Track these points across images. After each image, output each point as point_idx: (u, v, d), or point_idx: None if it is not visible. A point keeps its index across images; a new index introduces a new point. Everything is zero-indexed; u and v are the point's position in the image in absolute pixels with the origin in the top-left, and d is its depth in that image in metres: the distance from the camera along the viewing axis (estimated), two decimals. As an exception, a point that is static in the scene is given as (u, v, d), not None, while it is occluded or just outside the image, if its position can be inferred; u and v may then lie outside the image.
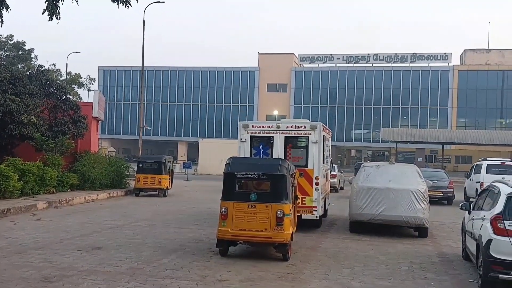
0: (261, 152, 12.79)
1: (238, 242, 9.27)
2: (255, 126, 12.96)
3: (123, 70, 73.81)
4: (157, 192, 21.18)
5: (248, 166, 9.23)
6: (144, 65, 34.04)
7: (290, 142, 12.77)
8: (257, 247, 9.55)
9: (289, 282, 7.53)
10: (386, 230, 12.70)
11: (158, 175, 21.03)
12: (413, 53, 65.25)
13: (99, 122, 26.71)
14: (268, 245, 9.17)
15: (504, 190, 7.79)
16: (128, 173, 23.54)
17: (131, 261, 8.59)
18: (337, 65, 67.84)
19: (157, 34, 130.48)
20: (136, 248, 9.69)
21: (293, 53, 70.55)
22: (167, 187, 21.58)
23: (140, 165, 21.41)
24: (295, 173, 10.05)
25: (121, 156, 41.64)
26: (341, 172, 30.95)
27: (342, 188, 28.44)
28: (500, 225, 7.26)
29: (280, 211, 8.76)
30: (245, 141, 12.66)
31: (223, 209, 8.96)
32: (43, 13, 13.73)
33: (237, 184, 9.27)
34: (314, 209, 12.37)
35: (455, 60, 66.83)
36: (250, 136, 12.74)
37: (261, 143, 12.86)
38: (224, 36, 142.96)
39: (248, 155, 12.49)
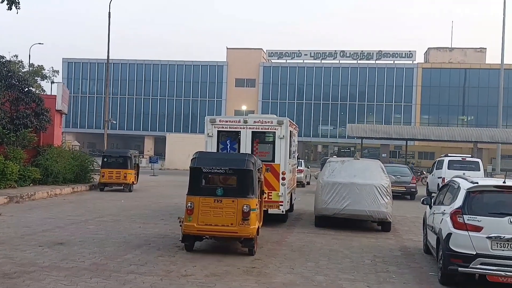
0: (228, 147, 12.79)
1: (204, 237, 9.26)
2: (222, 121, 12.94)
3: (88, 62, 72.31)
4: (122, 187, 20.91)
5: (215, 161, 9.22)
6: (110, 58, 33.47)
7: (257, 137, 12.81)
8: (223, 242, 9.56)
9: (254, 277, 7.57)
10: (350, 224, 12.92)
11: (123, 170, 20.76)
12: (379, 51, 66.31)
13: (63, 115, 26.11)
14: (234, 239, 9.19)
15: (464, 185, 8.01)
16: (92, 168, 23.16)
17: (94, 256, 8.46)
18: (305, 61, 68.30)
19: (124, 26, 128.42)
20: (100, 244, 9.55)
21: (261, 49, 70.61)
22: (133, 182, 21.34)
23: (105, 159, 21.08)
24: (261, 168, 10.10)
25: (86, 151, 40.88)
26: (308, 167, 31.28)
27: (308, 183, 28.73)
28: (459, 219, 7.48)
29: (246, 206, 8.79)
30: (212, 136, 12.62)
31: (189, 204, 8.93)
32: (1, 1, 13.33)
33: (203, 179, 9.25)
34: (280, 203, 12.46)
35: (419, 58, 68.33)
36: (217, 131, 12.72)
37: (228, 138, 12.85)
38: (192, 30, 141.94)
39: (215, 150, 12.47)
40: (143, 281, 7.05)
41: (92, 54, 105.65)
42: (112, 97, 69.34)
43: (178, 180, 26.80)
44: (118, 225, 11.99)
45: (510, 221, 7.16)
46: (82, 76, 72.65)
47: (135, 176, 21.64)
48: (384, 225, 12.67)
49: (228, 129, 12.80)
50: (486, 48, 66.81)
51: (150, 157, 44.26)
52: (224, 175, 9.25)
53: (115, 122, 61.65)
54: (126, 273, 7.47)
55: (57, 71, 72.06)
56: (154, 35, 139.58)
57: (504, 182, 7.79)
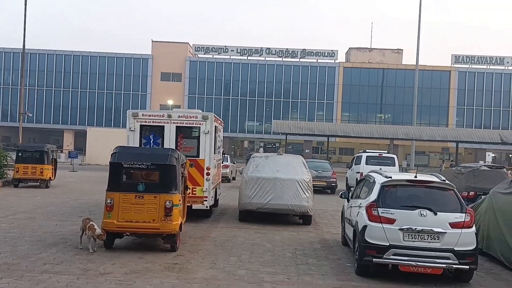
0: (152, 142, 12.55)
1: (124, 234, 9.04)
2: (145, 115, 12.66)
3: (2, 51, 67.87)
4: (38, 183, 19.92)
5: (136, 156, 9.01)
6: (27, 47, 31.60)
7: (182, 132, 12.68)
8: (145, 238, 9.38)
9: (175, 273, 7.51)
10: (273, 218, 13.15)
11: (39, 165, 19.77)
12: (303, 49, 67.80)
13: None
14: (156, 236, 9.06)
15: (379, 179, 8.39)
16: (6, 163, 21.83)
17: (6, 256, 8.01)
18: (232, 57, 68.39)
19: (43, 14, 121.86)
20: (12, 243, 9.05)
21: (188, 43, 69.79)
22: (50, 177, 20.38)
23: (20, 154, 19.96)
24: (185, 163, 10.01)
25: (-2, 145, 38.43)
26: (234, 163, 31.39)
27: (234, 179, 28.86)
28: (374, 212, 7.83)
29: (169, 202, 8.68)
30: (134, 130, 12.33)
31: (108, 200, 8.68)
32: None
33: (124, 174, 9.01)
34: (204, 199, 12.43)
35: (341, 58, 70.62)
36: (140, 125, 12.44)
37: (152, 132, 12.61)
38: (116, 22, 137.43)
39: (137, 145, 12.19)
40: (58, 281, 6.77)
41: (7, 43, 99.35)
42: (29, 89, 65.56)
43: (99, 175, 25.91)
44: (33, 222, 11.42)
45: (421, 213, 7.60)
46: (-4, 66, 68.10)
47: (52, 172, 20.67)
48: (305, 219, 13.01)
49: (152, 124, 12.55)
50: (403, 49, 70.30)
51: (69, 152, 42.44)
52: (146, 170, 9.07)
53: (31, 115, 58.45)
54: (40, 272, 7.13)
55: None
56: (75, 24, 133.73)
57: (415, 176, 8.25)
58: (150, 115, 12.71)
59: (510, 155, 68.38)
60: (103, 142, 37.68)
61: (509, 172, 16.70)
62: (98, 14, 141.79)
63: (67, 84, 67.88)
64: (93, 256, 8.27)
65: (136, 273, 7.38)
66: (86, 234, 8.66)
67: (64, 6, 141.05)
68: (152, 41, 69.16)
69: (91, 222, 8.68)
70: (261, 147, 63.73)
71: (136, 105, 65.32)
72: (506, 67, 66.11)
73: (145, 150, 10.32)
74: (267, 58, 67.78)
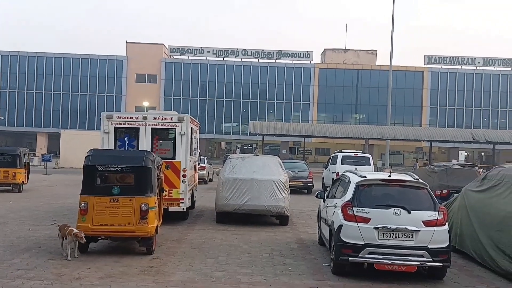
0: (126, 144, 12.43)
1: (99, 238, 8.93)
2: (120, 117, 12.54)
3: (-29, 53, 66.31)
4: (11, 187, 19.53)
5: (110, 158, 8.91)
6: (-4, 49, 30.89)
7: (157, 134, 12.59)
8: (120, 242, 9.28)
9: (152, 276, 7.45)
10: (250, 219, 13.16)
11: (12, 169, 19.38)
12: (279, 50, 68.04)
13: None
14: (131, 239, 8.97)
15: (354, 179, 8.48)
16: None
17: (-24, 263, 7.81)
18: (208, 58, 68.19)
19: (15, 15, 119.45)
20: (-17, 249, 8.83)
21: (163, 44, 69.30)
22: (23, 181, 20.00)
23: (-9, 158, 19.51)
24: (161, 165, 9.94)
25: (-32, 148, 37.52)
26: (211, 164, 31.31)
27: (211, 180, 28.78)
28: (349, 211, 7.91)
29: (145, 205, 8.61)
30: (108, 133, 12.20)
31: (82, 204, 8.56)
32: None
33: (98, 177, 8.91)
34: (181, 201, 12.36)
35: (316, 59, 71.13)
36: (115, 127, 12.32)
37: (127, 134, 12.49)
38: (91, 23, 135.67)
39: (112, 147, 12.07)
40: (32, 286, 6.65)
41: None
42: (1, 91, 64.23)
43: (73, 179, 25.51)
44: (5, 227, 11.18)
45: (395, 212, 7.71)
46: (-35, 68, 66.46)
47: (25, 176, 20.28)
48: (282, 219, 13.06)
49: (126, 126, 12.44)
50: (377, 50, 71.20)
51: (42, 155, 41.64)
52: (120, 173, 8.98)
53: (2, 118, 57.25)
54: (12, 278, 6.99)
55: None
56: (49, 25, 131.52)
57: (389, 176, 8.36)
58: (124, 117, 12.60)
59: (482, 154, 69.88)
60: (77, 145, 37.10)
61: (481, 170, 17.06)
62: (71, 14, 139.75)
63: (40, 86, 66.70)
64: (67, 261, 8.14)
65: (111, 277, 7.29)
66: (66, 240, 8.40)
67: (36, 6, 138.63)
68: (126, 42, 68.51)
69: (70, 227, 8.46)
70: (238, 148, 63.75)
71: (110, 107, 64.54)
72: (478, 67, 67.57)
73: (120, 153, 10.21)
74: (243, 59, 67.80)
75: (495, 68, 67.46)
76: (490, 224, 8.87)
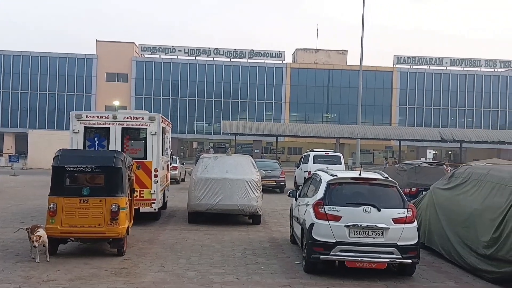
0: (96, 144, 12.25)
1: (68, 240, 8.78)
2: (90, 116, 12.35)
3: None
4: (-24, 189, 18.98)
5: (80, 158, 8.77)
6: (-40, 46, 29.95)
7: (128, 133, 12.45)
8: (91, 243, 9.15)
9: (123, 277, 7.36)
10: (223, 219, 13.14)
11: (-23, 170, 18.83)
12: (251, 50, 68.09)
13: None
14: (102, 240, 8.85)
15: (325, 178, 8.57)
16: None
17: None
18: (179, 57, 67.71)
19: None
20: None
21: (134, 42, 68.46)
22: (-11, 183, 19.46)
23: (-46, 159, 18.95)
24: (132, 165, 9.83)
25: None
26: (183, 164, 31.12)
27: (183, 180, 28.59)
28: (321, 210, 7.98)
29: (115, 205, 8.51)
30: (78, 133, 11.99)
31: (51, 205, 8.40)
32: None
33: (67, 178, 8.75)
34: (152, 201, 12.25)
35: (288, 58, 71.47)
36: (84, 127, 12.12)
37: (96, 134, 12.31)
38: (59, 20, 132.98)
39: (81, 148, 11.87)
40: (-2, 291, 6.49)
41: None
42: (-36, 90, 62.45)
43: (42, 180, 24.95)
44: (-31, 231, 10.86)
45: (365, 210, 7.82)
46: None
47: (-9, 177, 19.75)
48: (254, 218, 13.09)
49: (96, 125, 12.27)
50: (347, 51, 72.03)
51: (10, 155, 40.63)
52: (90, 173, 8.84)
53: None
54: (-23, 283, 6.80)
55: None
56: (13, 22, 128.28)
57: (360, 174, 8.49)
58: (94, 117, 12.42)
59: (450, 152, 71.51)
60: (46, 145, 36.35)
61: (448, 168, 17.46)
62: (40, 12, 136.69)
63: (6, 85, 65.05)
64: (35, 264, 7.97)
65: (81, 279, 7.18)
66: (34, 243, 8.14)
67: (2, 3, 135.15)
68: (96, 40, 67.42)
69: (39, 230, 8.18)
70: (211, 148, 63.54)
71: (80, 107, 63.45)
72: (445, 68, 69.07)
73: (90, 153, 10.05)
74: (215, 59, 67.60)
75: (462, 68, 69.09)
76: (457, 221, 9.09)
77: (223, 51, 67.75)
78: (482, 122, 67.81)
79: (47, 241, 8.16)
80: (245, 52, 67.87)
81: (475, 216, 8.51)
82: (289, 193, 10.57)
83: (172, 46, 67.91)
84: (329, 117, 68.96)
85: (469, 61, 69.15)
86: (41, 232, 8.11)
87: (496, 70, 69.23)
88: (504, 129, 62.28)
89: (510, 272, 7.51)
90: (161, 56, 67.61)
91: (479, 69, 68.93)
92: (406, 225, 7.84)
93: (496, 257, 7.74)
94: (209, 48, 67.97)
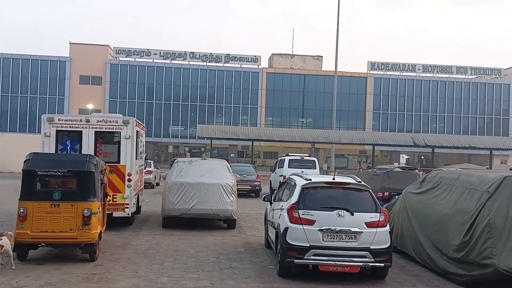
0: (69, 147, 12.06)
1: (39, 245, 8.60)
2: (62, 119, 12.16)
3: None
4: None
5: (51, 162, 8.62)
6: None
7: (101, 137, 12.29)
8: (62, 249, 8.99)
9: (94, 283, 7.25)
10: (197, 224, 13.07)
11: None
12: (227, 54, 68.08)
13: None
14: (74, 246, 8.71)
15: (299, 182, 8.61)
16: None
17: None
18: (155, 60, 67.24)
19: None
20: None
21: (108, 45, 67.68)
22: (-44, 187, 18.93)
23: None
24: (105, 169, 9.72)
25: None
26: (157, 168, 30.87)
27: (158, 184, 28.35)
28: (295, 214, 8.02)
29: (87, 210, 8.39)
30: (50, 136, 11.80)
31: (21, 210, 8.23)
32: None
33: (38, 182, 8.59)
34: (126, 206, 12.11)
35: (264, 63, 71.76)
36: (56, 130, 11.94)
37: (69, 138, 12.13)
38: (31, 20, 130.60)
39: (53, 151, 11.67)
40: (-36, 298, 6.31)
41: None
42: None
43: (11, 184, 24.38)
44: None
45: (339, 214, 7.88)
46: None
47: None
48: (229, 223, 13.06)
49: (69, 129, 12.09)
50: (322, 56, 72.56)
51: (-21, 159, 39.55)
52: (62, 177, 8.70)
53: None
54: None
55: None
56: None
57: (333, 178, 8.56)
58: (67, 120, 12.23)
59: (422, 157, 72.72)
60: (17, 149, 35.55)
61: (420, 173, 17.75)
62: (13, 14, 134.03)
63: (-25, 87, 63.51)
64: (5, 269, 7.78)
65: (52, 285, 7.05)
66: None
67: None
68: (70, 43, 66.43)
69: (1, 239, 7.98)
70: (188, 152, 63.16)
71: (53, 110, 62.36)
72: (418, 74, 70.28)
73: (61, 157, 9.90)
74: (191, 62, 67.34)
75: (434, 75, 70.42)
76: (428, 225, 9.24)
77: (199, 55, 67.55)
78: (454, 128, 69.18)
79: (11, 250, 7.95)
80: (221, 56, 67.80)
81: (446, 220, 8.67)
82: (264, 197, 10.58)
83: (148, 50, 67.41)
84: (305, 121, 69.37)
85: (441, 68, 70.55)
86: (4, 240, 7.86)
87: (467, 77, 70.80)
88: (474, 135, 63.70)
89: (479, 275, 7.67)
90: (136, 59, 67.00)
91: (451, 76, 70.38)
92: (379, 229, 7.93)
93: (466, 261, 7.89)
94: (185, 52, 67.68)
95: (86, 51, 65.19)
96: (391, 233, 8.25)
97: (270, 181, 25.62)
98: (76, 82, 65.58)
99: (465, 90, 69.94)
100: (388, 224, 8.19)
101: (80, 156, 9.83)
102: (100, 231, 8.90)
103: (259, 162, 62.86)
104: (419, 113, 69.78)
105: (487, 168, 34.20)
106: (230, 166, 14.31)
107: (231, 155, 59.83)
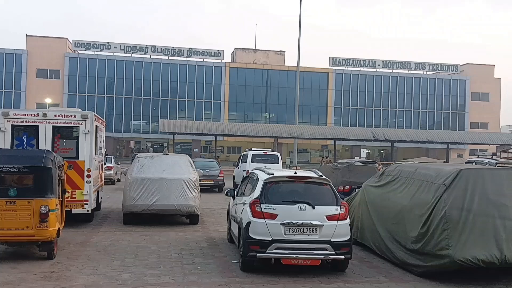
0: (25, 143, 11.73)
1: (-6, 244, 8.32)
2: (18, 114, 11.78)
3: None
4: None
5: (6, 158, 8.36)
6: None
7: (59, 132, 12.00)
8: (18, 247, 8.73)
9: (53, 282, 7.08)
10: (159, 220, 12.94)
11: None
12: (189, 48, 67.48)
13: None
14: (30, 244, 8.47)
15: (262, 176, 8.65)
16: None
17: None
18: (115, 54, 65.95)
19: None
20: None
21: (67, 38, 65.91)
22: None
23: None
24: (63, 165, 9.48)
25: None
26: (118, 164, 30.37)
27: (118, 180, 27.89)
28: (257, 208, 8.05)
29: (45, 207, 8.18)
30: (5, 131, 11.42)
31: (-26, 208, 7.93)
32: None
33: (-8, 179, 8.30)
34: (85, 202, 11.88)
35: (227, 58, 71.54)
36: (11, 125, 11.56)
37: (25, 133, 11.79)
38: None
39: (8, 147, 11.31)
40: None
41: None
42: None
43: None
44: None
45: (300, 208, 7.96)
46: None
47: None
48: (192, 218, 12.99)
49: (25, 124, 11.73)
50: (285, 51, 73.03)
51: None
52: (18, 174, 8.44)
53: None
54: None
55: None
56: None
57: (295, 173, 8.64)
58: (22, 115, 11.85)
59: (382, 151, 74.29)
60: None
61: (380, 166, 18.14)
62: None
63: None
64: (-44, 270, 7.50)
65: (8, 284, 6.84)
66: None
67: None
68: (26, 35, 64.35)
69: None
70: (151, 147, 62.34)
71: (9, 104, 60.35)
72: (378, 70, 71.64)
73: (17, 152, 9.57)
74: (152, 56, 66.41)
75: (393, 71, 71.92)
76: (387, 217, 9.45)
77: (161, 48, 66.68)
78: (412, 122, 70.93)
79: None
80: (183, 50, 67.14)
81: (404, 212, 8.88)
82: (227, 192, 10.58)
83: (107, 43, 66.04)
84: (268, 116, 69.64)
85: (400, 64, 72.09)
86: None
87: (425, 72, 72.64)
88: (432, 129, 65.57)
89: (436, 265, 7.91)
90: (96, 53, 65.54)
91: (409, 72, 72.04)
92: (339, 222, 8.05)
93: (424, 252, 8.12)
94: (146, 45, 66.67)
95: (44, 44, 63.34)
96: (351, 226, 8.40)
97: (234, 176, 25.62)
98: (33, 75, 63.64)
99: (423, 86, 71.78)
100: (348, 217, 8.33)
101: (36, 152, 9.55)
102: (58, 229, 8.70)
103: (223, 157, 62.75)
104: (379, 108, 71.16)
105: (444, 162, 35.26)
106: (193, 161, 14.20)
107: (194, 150, 59.47)
